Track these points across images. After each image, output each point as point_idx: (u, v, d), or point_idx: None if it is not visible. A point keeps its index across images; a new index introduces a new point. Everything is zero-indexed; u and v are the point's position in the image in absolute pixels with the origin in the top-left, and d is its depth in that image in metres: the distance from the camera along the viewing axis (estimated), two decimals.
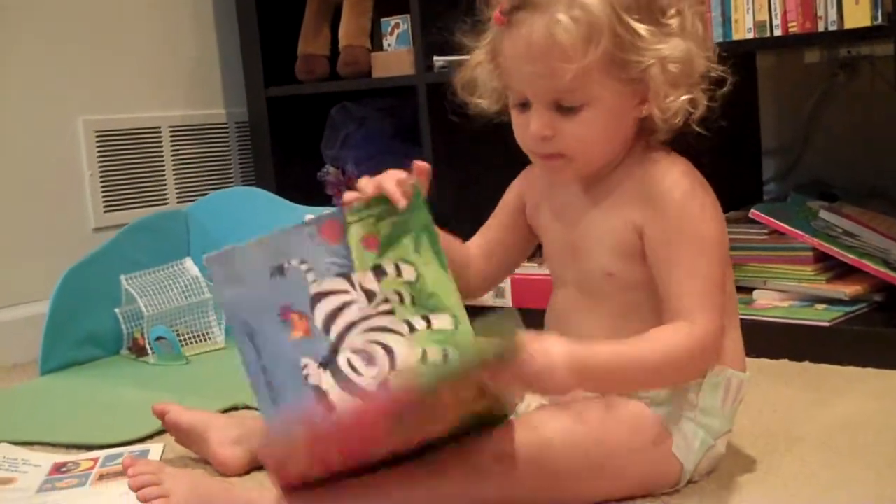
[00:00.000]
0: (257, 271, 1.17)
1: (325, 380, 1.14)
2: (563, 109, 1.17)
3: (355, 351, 1.15)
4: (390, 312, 1.16)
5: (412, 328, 1.16)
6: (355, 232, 1.18)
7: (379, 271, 1.17)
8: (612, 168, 1.23)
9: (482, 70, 1.26)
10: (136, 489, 1.18)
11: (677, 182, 1.19)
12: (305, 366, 1.15)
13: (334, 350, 1.15)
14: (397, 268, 1.17)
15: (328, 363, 1.15)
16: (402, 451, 1.15)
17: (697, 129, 1.18)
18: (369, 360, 1.15)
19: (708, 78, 1.19)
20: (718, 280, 1.18)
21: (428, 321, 1.15)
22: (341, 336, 1.16)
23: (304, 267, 1.17)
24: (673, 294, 1.17)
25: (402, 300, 1.16)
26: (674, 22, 1.16)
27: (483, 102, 1.27)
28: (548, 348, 1.11)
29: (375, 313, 1.16)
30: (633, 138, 1.22)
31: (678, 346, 1.15)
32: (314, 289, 1.17)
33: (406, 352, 1.15)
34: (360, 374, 1.15)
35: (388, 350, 1.15)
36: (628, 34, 1.13)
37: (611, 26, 1.12)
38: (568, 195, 1.27)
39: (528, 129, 1.19)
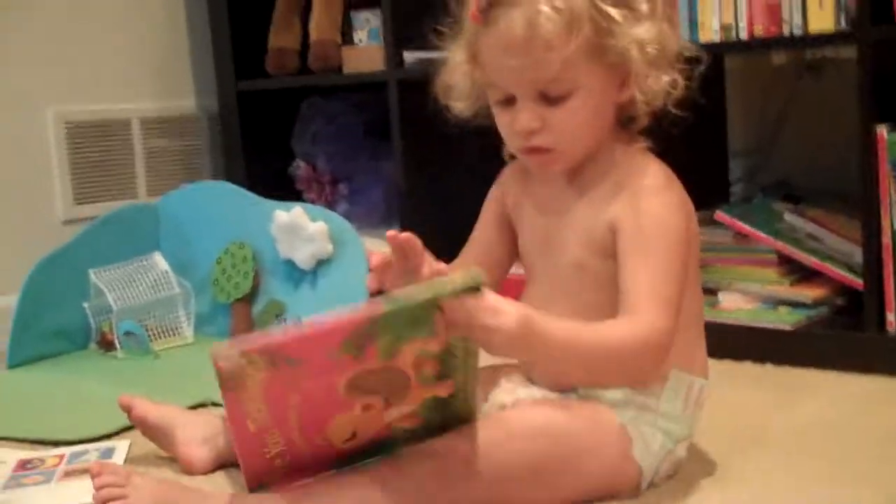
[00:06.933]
0: None
1: None
2: (550, 100, 1.19)
3: None
4: None
5: None
6: None
7: None
8: (593, 160, 1.25)
9: (459, 71, 1.27)
10: (99, 501, 1.16)
11: (654, 178, 1.22)
12: None
13: None
14: None
15: None
16: (366, 441, 1.15)
17: (674, 111, 1.22)
18: None
19: (682, 58, 1.23)
20: (676, 278, 1.18)
21: None
22: None
23: None
24: (628, 288, 1.18)
25: None
26: (644, 7, 1.20)
27: (459, 105, 1.29)
28: (503, 302, 1.08)
29: None
30: (612, 127, 1.25)
31: (622, 339, 1.15)
32: None
33: None
34: None
35: None
36: (605, 20, 1.17)
37: (589, 13, 1.16)
38: (552, 188, 1.29)
39: (513, 125, 1.22)
